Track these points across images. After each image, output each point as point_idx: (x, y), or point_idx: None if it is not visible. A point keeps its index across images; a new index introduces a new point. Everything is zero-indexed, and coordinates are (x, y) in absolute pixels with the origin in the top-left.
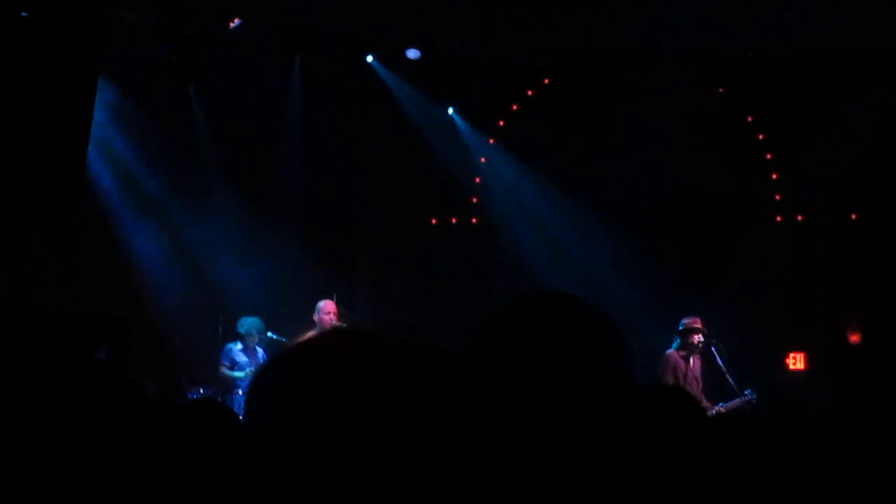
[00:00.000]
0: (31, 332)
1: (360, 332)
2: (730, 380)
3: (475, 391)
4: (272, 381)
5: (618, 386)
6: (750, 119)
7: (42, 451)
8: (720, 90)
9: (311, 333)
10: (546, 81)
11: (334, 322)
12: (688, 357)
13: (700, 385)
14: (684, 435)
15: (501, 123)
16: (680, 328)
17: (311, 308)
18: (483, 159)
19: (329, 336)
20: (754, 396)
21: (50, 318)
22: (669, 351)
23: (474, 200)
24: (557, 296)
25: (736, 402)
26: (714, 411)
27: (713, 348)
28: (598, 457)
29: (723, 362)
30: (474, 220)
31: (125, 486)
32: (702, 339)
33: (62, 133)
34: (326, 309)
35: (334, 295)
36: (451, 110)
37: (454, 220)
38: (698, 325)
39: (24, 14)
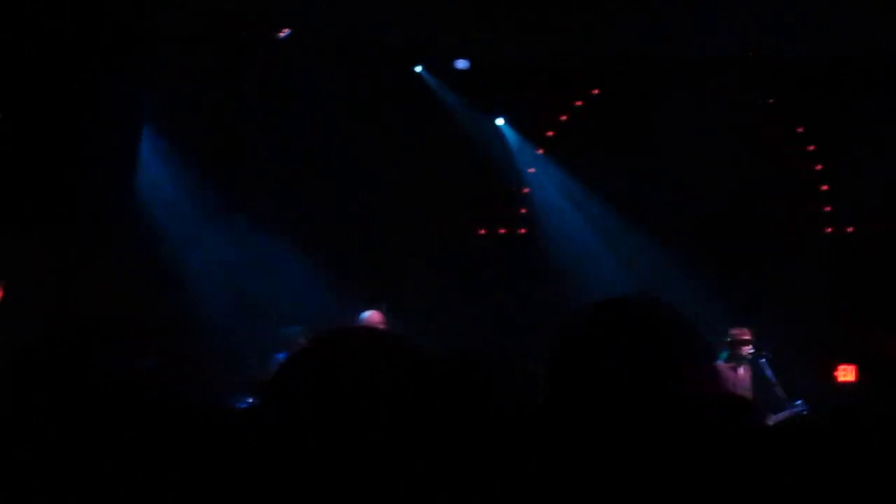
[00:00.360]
0: (80, 342)
1: (364, 332)
2: (780, 391)
3: (562, 395)
4: (282, 381)
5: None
6: (800, 130)
7: (95, 461)
8: (769, 101)
9: None
10: (595, 92)
11: None
12: (736, 368)
13: (750, 397)
14: (744, 441)
15: (550, 134)
16: (728, 339)
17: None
18: (531, 170)
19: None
20: (805, 407)
21: (98, 329)
22: (718, 362)
23: (522, 211)
24: (636, 300)
25: (786, 413)
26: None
27: (762, 360)
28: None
29: (772, 374)
30: (522, 231)
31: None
32: (751, 351)
33: (112, 145)
34: (373, 320)
35: (383, 306)
36: (499, 121)
37: (502, 231)
38: (747, 337)
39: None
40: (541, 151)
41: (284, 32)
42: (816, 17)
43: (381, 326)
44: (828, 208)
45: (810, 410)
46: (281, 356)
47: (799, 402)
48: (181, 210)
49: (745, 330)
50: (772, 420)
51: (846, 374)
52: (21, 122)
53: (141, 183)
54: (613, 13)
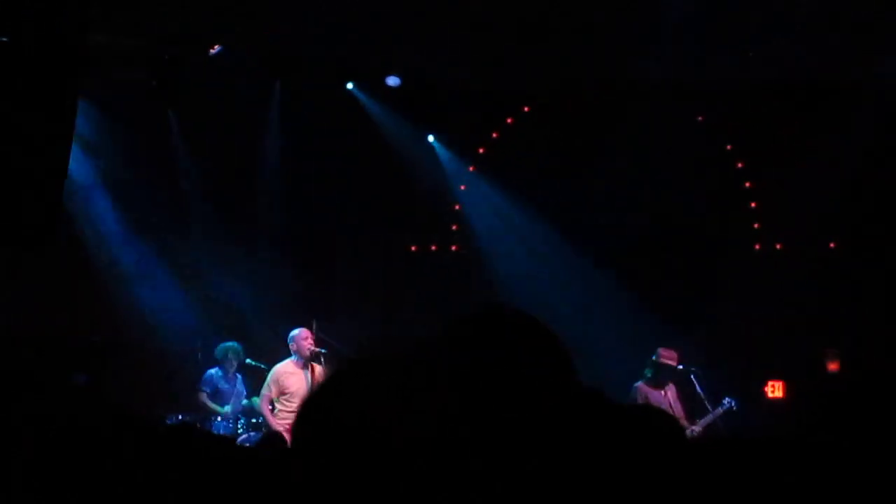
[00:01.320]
0: (9, 357)
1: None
2: (709, 406)
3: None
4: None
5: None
6: (729, 148)
7: (26, 471)
8: (699, 119)
9: (290, 361)
10: (526, 109)
11: (313, 348)
12: (660, 386)
13: (676, 411)
14: (658, 450)
15: (481, 151)
16: (654, 359)
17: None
18: (463, 187)
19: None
20: (733, 403)
21: (30, 343)
22: (639, 383)
23: (454, 227)
24: (500, 310)
25: (711, 415)
26: (691, 430)
27: (692, 376)
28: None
29: (702, 390)
30: (454, 248)
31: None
32: (677, 369)
33: (41, 157)
34: (303, 336)
35: (314, 322)
36: (431, 137)
37: (434, 248)
38: (672, 360)
39: (2, 39)
40: (472, 168)
41: (216, 49)
42: (745, 42)
43: (313, 341)
44: (756, 225)
45: (739, 408)
46: (214, 372)
47: (727, 399)
48: (114, 222)
49: (672, 352)
50: (700, 424)
51: (775, 390)
52: None
53: (73, 196)
54: (545, 36)
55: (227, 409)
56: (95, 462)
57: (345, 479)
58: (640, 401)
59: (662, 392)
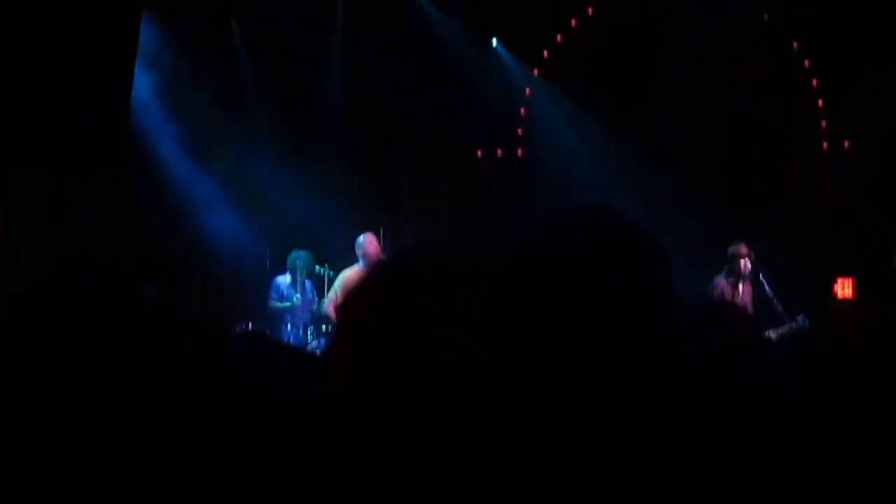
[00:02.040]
0: (82, 274)
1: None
2: (778, 307)
3: (519, 307)
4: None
5: (666, 298)
6: (796, 45)
7: (97, 386)
8: (765, 16)
9: (357, 267)
10: (589, 11)
11: (381, 254)
12: (736, 283)
13: (749, 311)
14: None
15: (545, 54)
16: (728, 255)
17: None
18: (527, 90)
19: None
20: (806, 322)
21: (99, 260)
22: (719, 278)
23: (519, 132)
24: (599, 209)
25: (786, 328)
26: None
27: (761, 276)
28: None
29: (770, 290)
30: (520, 152)
31: (175, 416)
32: (748, 266)
33: (106, 75)
34: (369, 240)
35: (380, 229)
36: (494, 42)
37: (499, 152)
38: (744, 251)
39: None
40: (536, 72)
41: None
42: None
43: (377, 248)
44: (824, 123)
45: (811, 326)
46: (281, 278)
47: (800, 317)
48: (180, 138)
49: (743, 246)
50: (772, 335)
51: (845, 288)
52: (18, 54)
53: (140, 114)
54: None
55: (288, 304)
56: (163, 370)
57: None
58: (717, 295)
59: (738, 289)
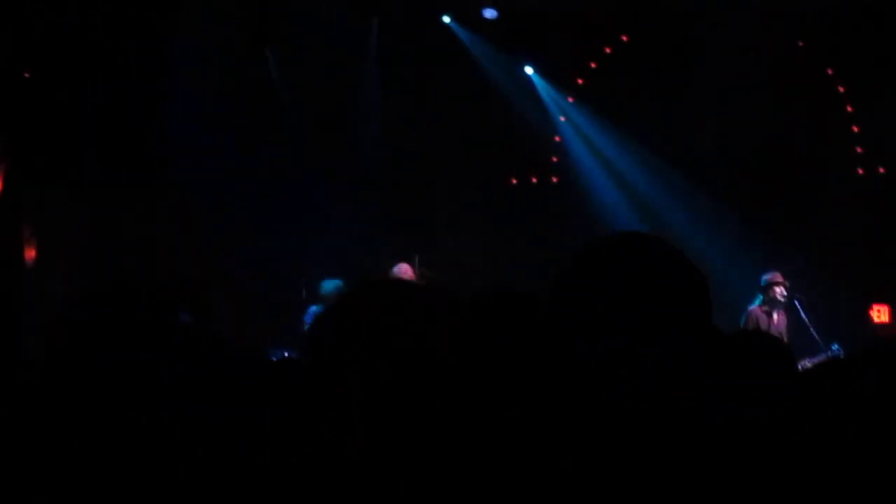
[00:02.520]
0: (117, 298)
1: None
2: (815, 334)
3: (554, 330)
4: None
5: (704, 329)
6: (830, 72)
7: (135, 419)
8: (800, 43)
9: None
10: (624, 38)
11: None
12: (770, 312)
13: (785, 340)
14: (777, 379)
15: (580, 81)
16: (762, 283)
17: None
18: (562, 118)
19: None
20: (840, 351)
21: (134, 288)
22: (752, 307)
23: (554, 159)
24: (639, 236)
25: (823, 356)
26: (801, 365)
27: (797, 302)
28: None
29: (807, 316)
30: (554, 179)
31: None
32: (784, 294)
33: (144, 97)
34: (403, 271)
35: (416, 257)
36: (529, 69)
37: (534, 180)
38: (780, 279)
39: None
40: (571, 99)
41: None
42: None
43: (412, 278)
44: (859, 149)
45: (846, 354)
46: (316, 308)
47: (835, 345)
48: (214, 164)
49: (777, 273)
50: (808, 363)
51: (881, 314)
52: (58, 78)
53: (170, 137)
54: None
55: None
56: (201, 398)
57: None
58: (750, 325)
59: (773, 318)
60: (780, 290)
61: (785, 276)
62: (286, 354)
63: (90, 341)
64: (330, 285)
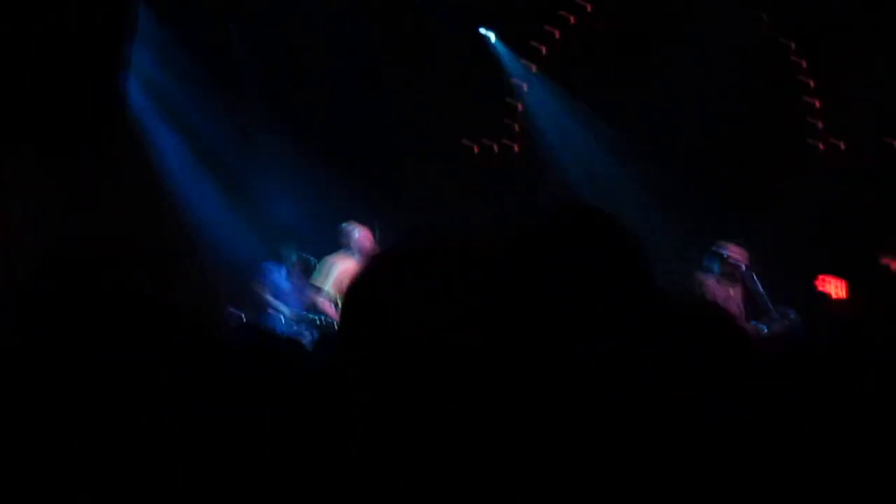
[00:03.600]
0: (73, 264)
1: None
2: (769, 305)
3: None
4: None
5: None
6: (792, 46)
7: (94, 382)
8: (762, 15)
9: (341, 253)
10: (588, 9)
11: (373, 247)
12: (726, 284)
13: (741, 311)
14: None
15: (543, 50)
16: (718, 255)
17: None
18: (525, 86)
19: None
20: (798, 317)
21: (91, 250)
22: (707, 279)
23: (516, 128)
24: (585, 210)
25: (777, 325)
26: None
27: (753, 275)
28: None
29: (762, 290)
30: (516, 148)
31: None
32: (740, 267)
33: (103, 59)
34: (364, 236)
35: (375, 224)
36: (493, 37)
37: (495, 148)
38: (736, 252)
39: None
40: (535, 68)
41: None
42: None
43: (371, 243)
44: (820, 124)
45: (802, 322)
46: (270, 264)
47: (792, 312)
48: (179, 127)
49: (735, 246)
50: (763, 333)
51: (838, 290)
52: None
53: (134, 99)
54: None
55: (285, 309)
56: (159, 364)
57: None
58: (707, 294)
59: (729, 291)
60: (736, 263)
61: (742, 249)
62: (242, 316)
63: (51, 308)
64: (288, 247)
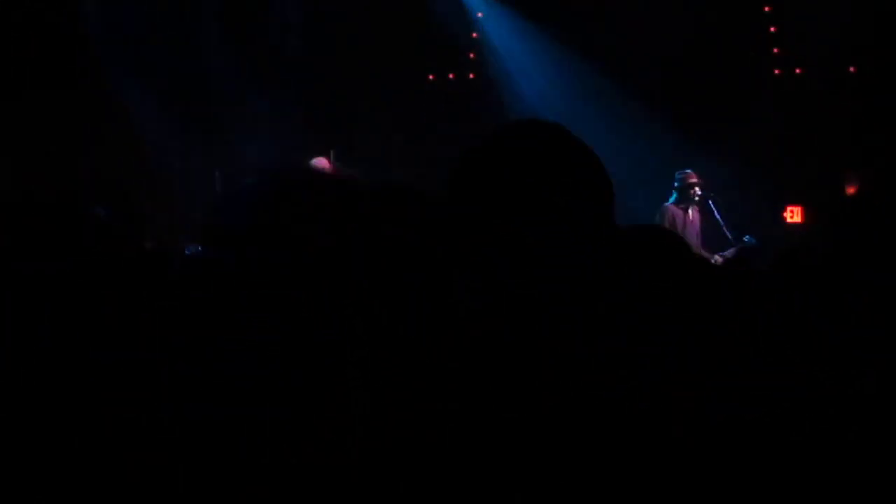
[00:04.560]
0: (31, 194)
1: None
2: (727, 232)
3: (454, 221)
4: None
5: (606, 225)
6: None
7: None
8: None
9: None
10: None
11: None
12: (686, 209)
13: (700, 237)
14: (682, 279)
15: None
16: (676, 182)
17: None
18: (480, 14)
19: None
20: (754, 241)
21: (51, 180)
22: (667, 204)
23: (471, 56)
24: (539, 124)
25: (734, 250)
26: (714, 260)
27: (710, 202)
28: (588, 298)
29: (720, 215)
30: (472, 76)
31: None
32: (698, 192)
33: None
34: (321, 164)
35: (332, 152)
36: None
37: (451, 76)
38: (694, 178)
39: None
40: None
41: None
42: None
43: (331, 169)
44: (776, 50)
45: (760, 245)
46: None
47: (748, 237)
48: (137, 64)
49: (692, 172)
50: (722, 257)
51: (794, 215)
52: None
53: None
54: None
55: None
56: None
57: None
58: (666, 222)
59: (688, 215)
60: (694, 189)
61: (699, 175)
62: (198, 248)
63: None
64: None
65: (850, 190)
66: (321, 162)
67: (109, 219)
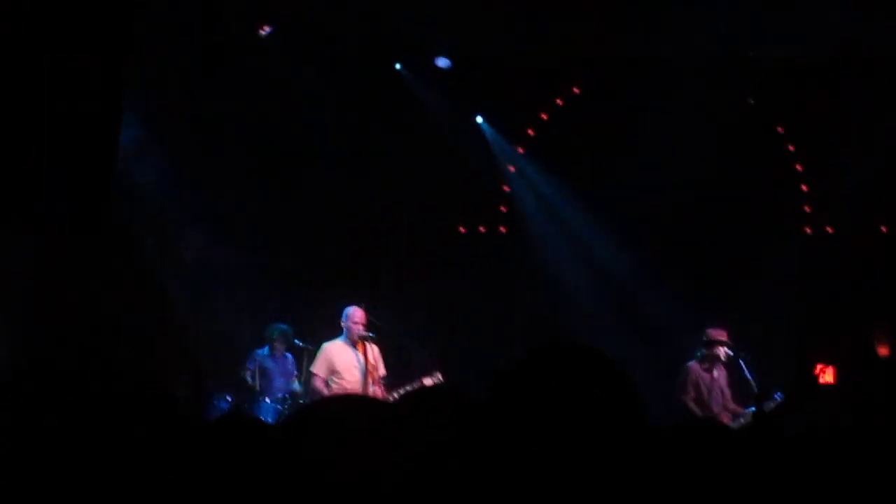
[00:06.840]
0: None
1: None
2: (755, 388)
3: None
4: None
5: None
6: (780, 129)
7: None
8: (750, 100)
9: (339, 340)
10: (575, 90)
11: (361, 332)
12: (710, 368)
13: (726, 395)
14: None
15: (530, 132)
16: (704, 339)
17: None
18: (511, 168)
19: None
20: (782, 397)
21: (75, 324)
22: (691, 362)
23: (502, 209)
24: (576, 349)
25: (760, 408)
26: (739, 420)
27: (741, 361)
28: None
29: (751, 375)
30: (502, 229)
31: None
32: (728, 352)
33: (90, 138)
34: (355, 317)
35: (363, 304)
36: (479, 118)
37: (482, 229)
38: (723, 338)
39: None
40: (521, 150)
41: (266, 30)
42: (797, 16)
43: (364, 323)
44: (807, 208)
45: (786, 398)
46: (261, 351)
47: (778, 393)
48: (161, 205)
49: (722, 330)
50: (749, 415)
51: (826, 375)
52: None
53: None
54: (595, 13)
55: (277, 393)
56: (141, 451)
57: None
58: (689, 381)
59: (713, 374)
60: (723, 350)
61: (729, 333)
62: (228, 399)
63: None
64: (273, 328)
65: (882, 350)
66: (358, 312)
67: (135, 365)
